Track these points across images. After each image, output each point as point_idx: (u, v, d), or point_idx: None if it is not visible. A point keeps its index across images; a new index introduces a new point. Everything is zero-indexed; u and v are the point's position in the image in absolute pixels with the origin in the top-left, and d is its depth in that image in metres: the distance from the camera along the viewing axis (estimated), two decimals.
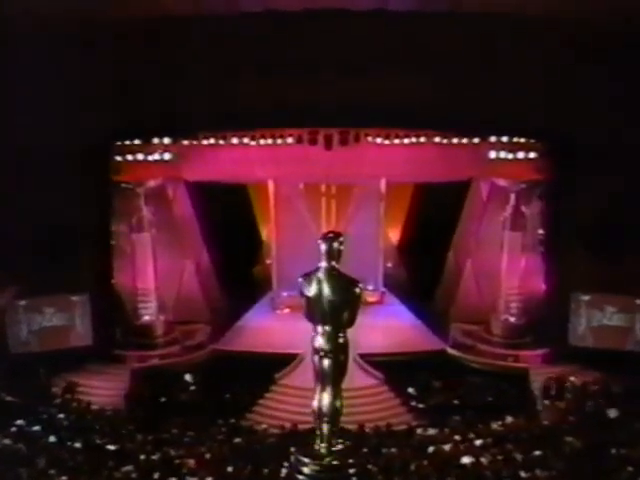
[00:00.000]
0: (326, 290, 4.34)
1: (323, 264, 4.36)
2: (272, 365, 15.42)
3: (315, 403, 4.38)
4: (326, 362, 4.32)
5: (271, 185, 18.53)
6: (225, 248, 18.55)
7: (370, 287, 19.17)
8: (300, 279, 4.46)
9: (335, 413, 4.40)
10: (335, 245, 4.40)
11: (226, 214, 18.90)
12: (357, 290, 4.32)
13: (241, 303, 19.04)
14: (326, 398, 4.35)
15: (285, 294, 19.10)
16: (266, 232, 21.35)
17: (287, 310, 19.01)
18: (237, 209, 20.05)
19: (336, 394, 4.41)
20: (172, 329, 17.39)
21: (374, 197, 18.55)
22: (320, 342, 4.32)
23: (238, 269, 19.44)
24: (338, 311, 4.28)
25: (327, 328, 4.33)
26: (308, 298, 4.37)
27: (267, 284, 19.81)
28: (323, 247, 4.40)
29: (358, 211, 18.48)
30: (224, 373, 15.23)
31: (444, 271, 19.02)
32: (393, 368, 15.28)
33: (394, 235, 21.70)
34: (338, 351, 4.33)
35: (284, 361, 15.61)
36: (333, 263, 4.38)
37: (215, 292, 19.14)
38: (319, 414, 4.33)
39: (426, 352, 16.17)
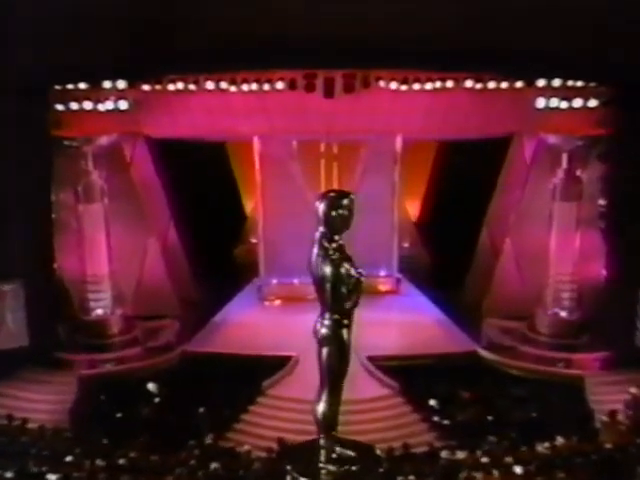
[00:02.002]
0: (315, 264, 4.44)
1: (319, 230, 4.39)
2: (259, 371, 15.31)
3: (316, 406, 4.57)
4: (321, 354, 4.53)
5: (257, 143, 18.35)
6: (199, 223, 18.49)
7: (382, 273, 19.13)
8: None
9: (329, 420, 4.51)
10: (340, 206, 4.35)
11: (199, 180, 18.80)
12: (342, 270, 4.35)
13: (219, 293, 18.98)
14: (321, 401, 4.51)
15: (275, 281, 19.06)
16: (251, 203, 21.38)
17: (278, 302, 19.01)
18: (213, 174, 19.95)
19: (331, 396, 4.49)
20: (131, 326, 17.28)
21: (387, 159, 18.43)
22: (317, 327, 4.55)
23: (215, 250, 19.40)
24: (323, 292, 4.45)
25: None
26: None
27: (252, 269, 19.77)
28: (321, 209, 4.34)
29: (366, 177, 18.33)
30: (197, 381, 15.11)
31: (476, 252, 18.95)
32: (411, 375, 15.20)
33: (412, 207, 21.66)
34: (332, 341, 4.46)
35: (274, 366, 15.52)
36: (336, 237, 4.40)
37: (186, 279, 19.05)
38: (315, 421, 4.54)
39: (453, 355, 16.09)
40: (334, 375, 4.48)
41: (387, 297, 18.69)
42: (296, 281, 18.45)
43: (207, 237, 18.63)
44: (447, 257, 18.92)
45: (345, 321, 4.45)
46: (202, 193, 18.87)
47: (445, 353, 16.03)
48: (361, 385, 13.83)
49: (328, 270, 4.35)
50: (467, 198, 18.01)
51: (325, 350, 4.46)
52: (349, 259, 4.41)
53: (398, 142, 18.19)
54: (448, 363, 15.59)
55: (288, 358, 15.54)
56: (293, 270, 17.73)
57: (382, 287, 18.94)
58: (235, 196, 21.72)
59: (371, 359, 15.14)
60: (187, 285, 18.95)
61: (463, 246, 18.67)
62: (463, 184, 18.08)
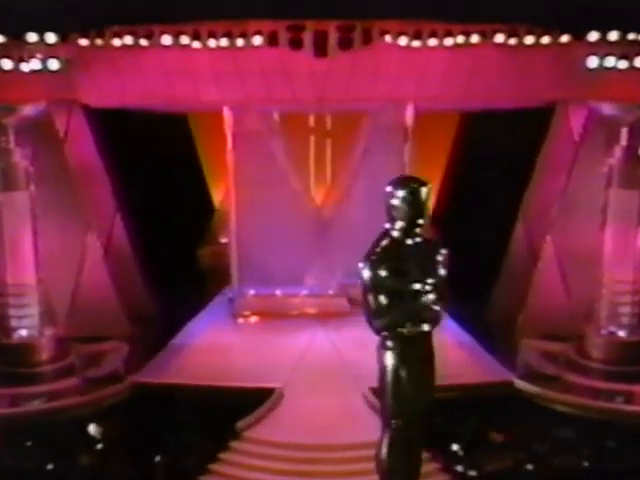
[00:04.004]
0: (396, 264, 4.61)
1: (399, 225, 4.59)
2: (232, 407, 14.98)
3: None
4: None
5: (228, 115, 18.30)
6: (153, 217, 18.57)
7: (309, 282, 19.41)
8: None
9: (392, 470, 4.68)
10: (418, 197, 4.66)
11: (154, 162, 18.84)
12: (381, 273, 4.44)
13: (180, 307, 18.89)
14: (381, 444, 4.75)
15: (252, 292, 19.06)
16: (220, 193, 21.70)
17: (254, 318, 19.08)
18: (172, 154, 20.01)
19: (392, 441, 4.67)
20: (66, 351, 17.03)
21: (394, 135, 18.40)
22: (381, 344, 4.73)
23: (175, 252, 19.47)
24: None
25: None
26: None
27: (222, 276, 19.89)
28: (401, 194, 4.55)
29: (368, 158, 18.39)
30: (153, 421, 14.82)
31: (508, 254, 18.96)
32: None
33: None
34: (383, 370, 4.67)
35: (251, 401, 15.23)
36: (420, 222, 4.70)
37: (137, 289, 19.03)
38: (377, 468, 4.82)
39: (480, 386, 15.96)
40: (387, 413, 4.68)
41: None
42: (279, 292, 18.22)
43: (164, 235, 18.67)
44: (472, 260, 18.78)
45: (400, 345, 4.48)
46: (157, 179, 18.94)
47: (470, 384, 15.88)
48: (364, 424, 13.65)
49: (366, 273, 4.49)
50: (497, 185, 18.06)
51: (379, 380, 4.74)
52: (416, 262, 4.49)
53: (409, 113, 18.17)
54: (475, 397, 15.37)
55: (269, 391, 15.38)
56: (275, 278, 17.45)
57: None
58: (200, 183, 21.99)
59: (376, 391, 14.89)
60: (138, 297, 18.91)
61: (492, 246, 18.68)
62: (492, 167, 18.11)
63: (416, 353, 4.37)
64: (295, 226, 18.19)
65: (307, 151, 19.16)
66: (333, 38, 16.09)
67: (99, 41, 16.14)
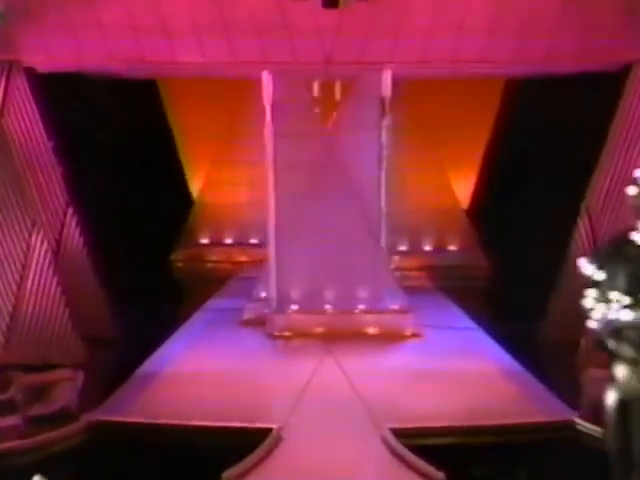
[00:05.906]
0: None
1: None
2: (216, 454, 14.83)
3: None
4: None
5: (267, 82, 18.49)
6: (114, 212, 18.91)
7: (363, 294, 19.74)
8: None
9: None
10: None
11: (116, 142, 19.26)
12: (589, 271, 5.07)
13: (149, 326, 19.05)
14: None
15: (295, 307, 19.37)
16: (200, 181, 22.30)
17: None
18: (139, 132, 20.30)
19: None
20: (5, 382, 16.73)
21: (370, 108, 18.88)
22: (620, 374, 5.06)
23: (143, 256, 19.76)
24: None
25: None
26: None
27: (202, 286, 20.30)
28: None
29: (345, 136, 19.10)
30: (114, 471, 14.58)
31: (569, 259, 18.75)
32: (464, 460, 14.72)
33: (463, 186, 22.39)
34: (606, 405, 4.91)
35: (241, 445, 14.92)
36: None
37: (94, 303, 19.13)
38: None
39: (533, 428, 15.74)
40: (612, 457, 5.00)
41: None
42: (328, 307, 18.79)
43: (128, 235, 19.04)
44: (521, 267, 18.95)
45: (624, 376, 4.90)
46: (120, 164, 19.25)
47: (521, 425, 15.72)
48: (384, 475, 13.74)
49: (588, 270, 5.19)
50: (554, 171, 18.00)
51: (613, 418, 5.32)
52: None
53: (386, 80, 18.37)
54: (527, 441, 15.27)
55: (264, 432, 15.23)
56: (322, 289, 18.13)
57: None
58: (174, 169, 22.37)
59: (398, 434, 14.87)
60: (96, 314, 19.00)
61: (548, 249, 18.70)
62: (548, 148, 18.03)
63: None
64: (344, 221, 18.47)
65: None
66: None
67: None
